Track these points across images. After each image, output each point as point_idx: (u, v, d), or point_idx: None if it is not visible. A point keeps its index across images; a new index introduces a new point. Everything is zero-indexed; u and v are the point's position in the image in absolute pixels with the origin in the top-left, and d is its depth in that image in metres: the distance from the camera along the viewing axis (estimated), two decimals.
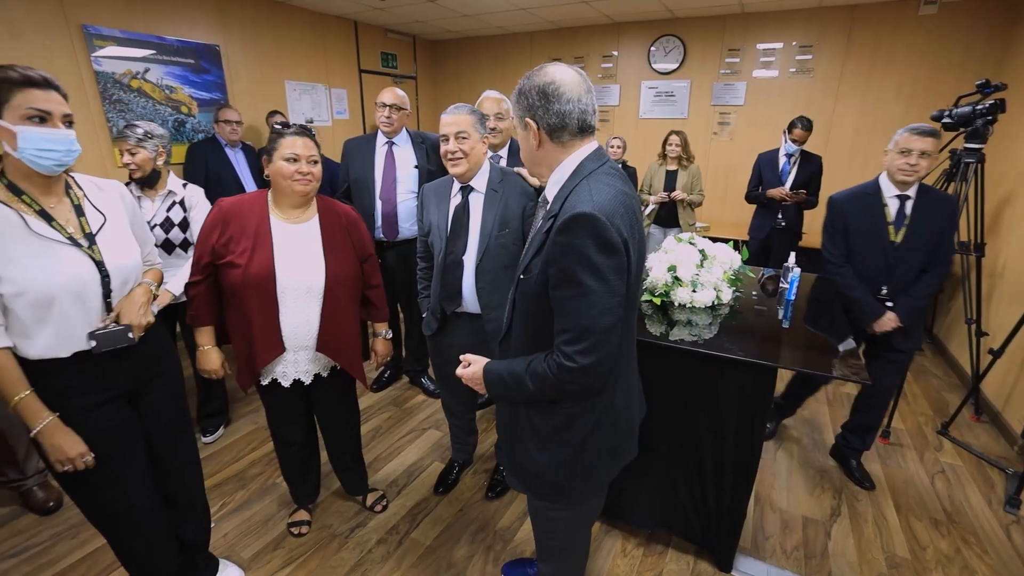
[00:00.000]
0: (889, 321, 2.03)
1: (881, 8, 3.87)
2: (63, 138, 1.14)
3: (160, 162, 2.11)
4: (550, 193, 1.07)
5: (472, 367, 1.18)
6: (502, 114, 2.16)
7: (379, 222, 2.49)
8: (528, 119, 1.02)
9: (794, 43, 4.20)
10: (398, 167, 2.44)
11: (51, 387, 1.21)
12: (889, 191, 2.03)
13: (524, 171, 1.85)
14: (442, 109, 1.88)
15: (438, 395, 2.94)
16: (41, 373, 1.19)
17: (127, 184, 2.15)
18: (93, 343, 1.23)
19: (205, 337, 1.65)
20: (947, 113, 2.59)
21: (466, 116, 1.67)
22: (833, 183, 3.76)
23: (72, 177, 1.30)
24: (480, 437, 2.43)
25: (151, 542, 1.49)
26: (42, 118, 1.11)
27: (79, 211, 1.25)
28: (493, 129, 2.12)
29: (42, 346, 1.18)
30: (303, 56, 4.45)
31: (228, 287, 1.55)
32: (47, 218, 1.18)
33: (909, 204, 2.01)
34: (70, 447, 1.20)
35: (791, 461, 2.46)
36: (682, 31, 4.60)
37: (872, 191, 2.07)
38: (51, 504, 2.12)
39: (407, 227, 2.51)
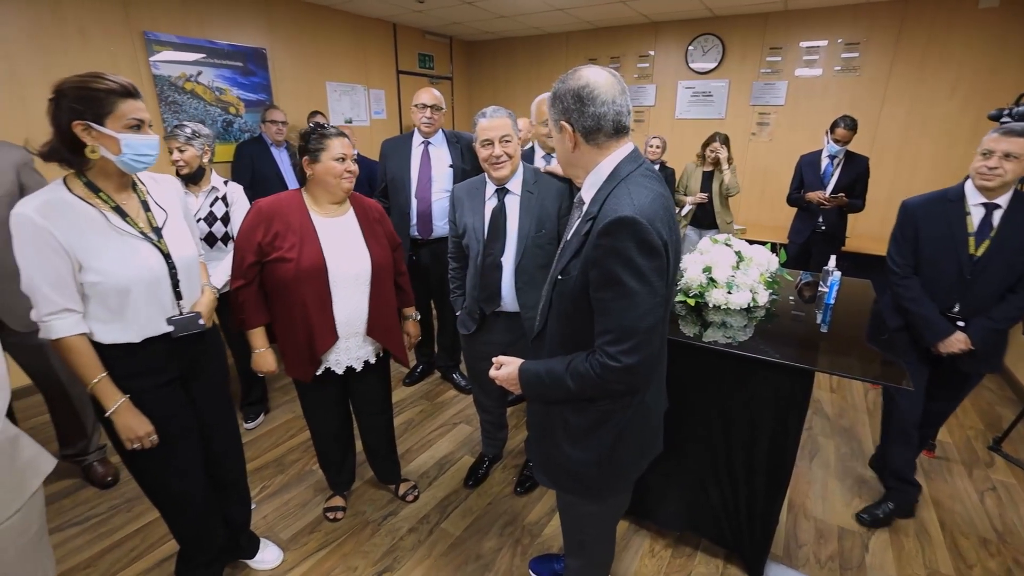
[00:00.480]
0: (957, 342, 1.81)
1: (936, 3, 3.70)
2: (154, 143, 1.25)
3: (205, 160, 2.23)
4: (586, 195, 1.09)
5: (506, 368, 1.20)
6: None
7: (414, 220, 2.56)
8: (564, 122, 1.04)
9: (840, 40, 4.06)
10: (433, 166, 2.49)
11: (120, 370, 1.30)
12: (975, 198, 1.79)
13: (553, 166, 1.85)
14: (477, 110, 1.92)
15: (469, 391, 2.99)
16: (112, 357, 1.29)
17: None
18: (171, 328, 1.34)
19: (259, 339, 1.72)
20: (1007, 112, 2.46)
21: (507, 120, 1.69)
22: (879, 186, 3.65)
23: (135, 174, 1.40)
24: (510, 433, 2.46)
25: (201, 518, 1.58)
26: (138, 125, 1.22)
27: (145, 207, 1.34)
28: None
29: (117, 332, 1.28)
30: (344, 58, 4.58)
31: (279, 282, 1.62)
32: (122, 214, 1.27)
33: (998, 214, 1.76)
34: (139, 427, 1.30)
35: (827, 471, 2.40)
36: (721, 30, 4.51)
37: (954, 197, 1.83)
38: (109, 479, 2.28)
39: (441, 225, 2.56)
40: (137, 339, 1.30)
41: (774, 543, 1.88)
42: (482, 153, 1.72)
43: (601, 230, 0.95)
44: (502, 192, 1.76)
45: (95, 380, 1.25)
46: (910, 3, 3.78)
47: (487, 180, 1.80)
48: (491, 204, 1.78)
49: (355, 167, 1.66)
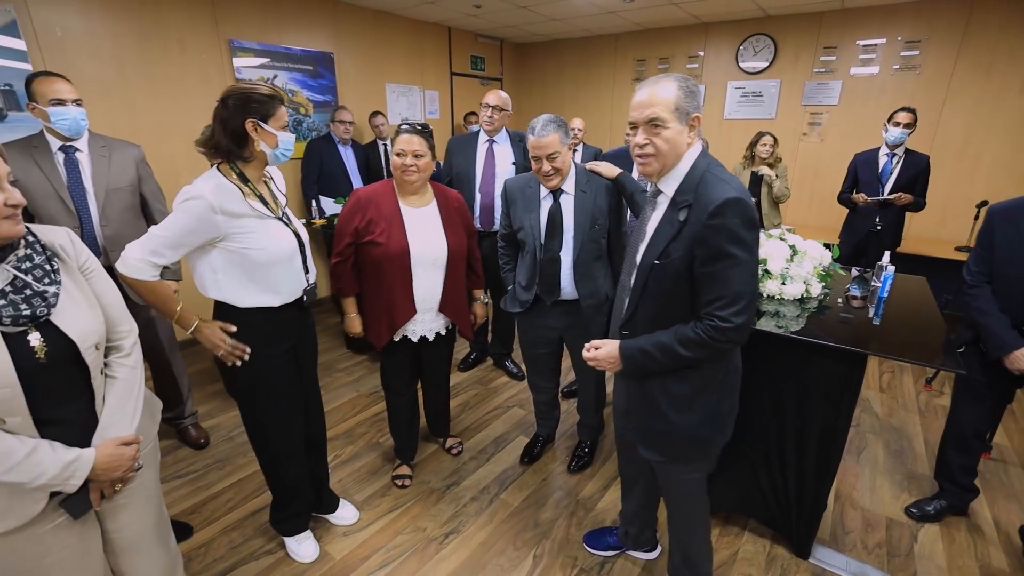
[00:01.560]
0: (1022, 358, 1.71)
1: None
2: (293, 140, 1.52)
3: None
4: (668, 187, 1.22)
5: (604, 349, 1.33)
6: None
7: (477, 212, 2.74)
8: (697, 114, 1.16)
9: (899, 38, 4.00)
10: (497, 163, 2.67)
11: (259, 332, 1.55)
12: None
13: (596, 165, 1.94)
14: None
15: (521, 378, 3.15)
16: (252, 320, 1.53)
17: None
18: (305, 297, 1.64)
19: (351, 306, 2.00)
20: None
21: (554, 136, 1.74)
22: (936, 188, 3.57)
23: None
24: (562, 416, 2.60)
25: (300, 472, 1.81)
26: (286, 126, 1.48)
27: (273, 196, 1.57)
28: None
29: (259, 297, 1.52)
30: (402, 61, 4.83)
31: (369, 262, 1.87)
32: (263, 201, 1.50)
33: None
34: (217, 336, 1.51)
35: (875, 466, 2.43)
36: (774, 29, 4.50)
37: None
38: (203, 441, 2.56)
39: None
40: (277, 303, 1.54)
41: (820, 528, 1.94)
42: (533, 166, 1.84)
43: (711, 211, 1.09)
44: (557, 192, 1.88)
45: (178, 308, 1.49)
46: None
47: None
48: (547, 204, 1.90)
49: (416, 162, 1.81)
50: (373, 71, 4.58)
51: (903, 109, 3.13)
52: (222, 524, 2.05)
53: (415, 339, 2.02)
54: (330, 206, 3.65)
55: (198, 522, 2.05)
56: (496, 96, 2.65)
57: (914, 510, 2.10)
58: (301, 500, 1.87)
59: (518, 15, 4.61)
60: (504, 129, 2.75)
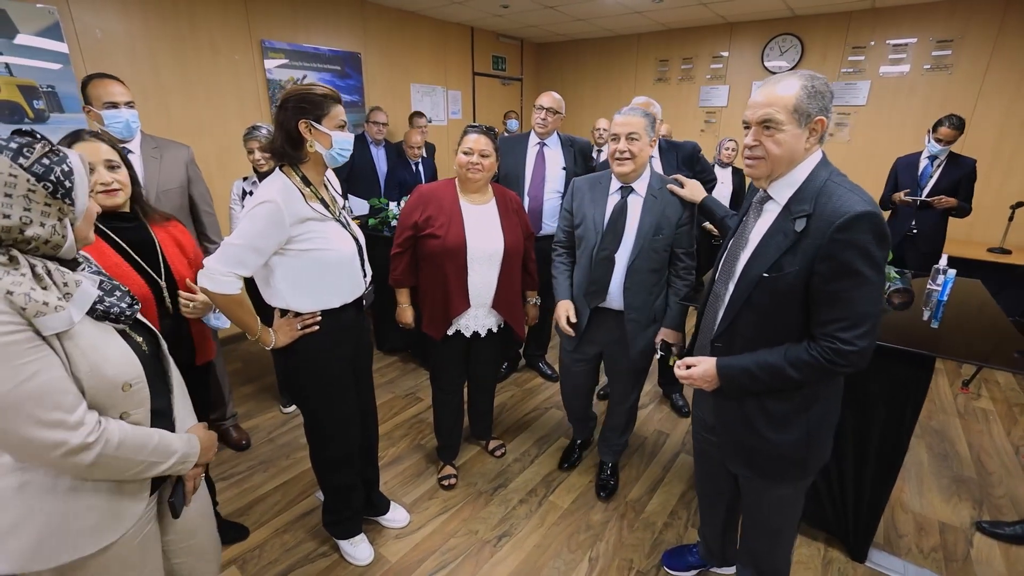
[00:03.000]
0: None
1: None
2: (351, 140, 1.49)
3: None
4: (780, 194, 1.15)
5: (700, 367, 1.26)
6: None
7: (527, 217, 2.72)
8: (822, 118, 1.09)
9: (931, 38, 3.98)
10: (547, 167, 2.64)
11: (319, 335, 1.54)
12: None
13: (680, 188, 1.82)
14: None
15: (555, 379, 3.15)
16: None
17: (245, 178, 2.53)
18: (365, 300, 1.66)
19: (404, 297, 2.05)
20: None
21: (640, 119, 1.71)
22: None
23: None
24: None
25: (353, 473, 1.81)
26: (343, 125, 1.45)
27: (332, 198, 1.57)
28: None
29: (317, 300, 1.52)
30: (426, 61, 4.83)
31: (428, 255, 1.91)
32: (324, 203, 1.50)
33: None
34: (293, 330, 1.52)
35: (921, 468, 2.42)
36: (801, 29, 4.48)
37: None
38: (244, 442, 2.57)
39: (549, 224, 2.69)
40: (338, 304, 1.55)
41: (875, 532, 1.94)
42: (610, 147, 1.76)
43: (840, 225, 1.02)
44: (626, 190, 1.81)
45: (259, 327, 1.48)
46: None
47: (612, 176, 1.85)
48: (614, 199, 1.84)
49: (482, 161, 1.85)
50: (399, 71, 4.59)
51: (948, 121, 3.03)
52: (273, 526, 2.06)
53: (468, 334, 2.04)
54: (360, 206, 3.65)
55: (249, 524, 2.05)
56: (551, 98, 2.61)
57: (986, 525, 2.03)
58: (355, 502, 1.88)
59: (544, 15, 4.61)
60: (556, 132, 2.71)
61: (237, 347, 3.66)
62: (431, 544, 1.98)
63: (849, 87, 4.38)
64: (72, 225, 0.89)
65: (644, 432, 2.69)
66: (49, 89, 2.76)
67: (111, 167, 1.32)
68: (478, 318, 2.03)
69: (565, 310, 1.95)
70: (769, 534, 1.44)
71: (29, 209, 0.82)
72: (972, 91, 3.90)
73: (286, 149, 1.43)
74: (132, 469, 0.94)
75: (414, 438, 2.64)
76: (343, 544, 1.91)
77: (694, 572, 1.84)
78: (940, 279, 1.89)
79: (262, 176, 2.44)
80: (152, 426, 1.02)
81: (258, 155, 2.40)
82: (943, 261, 1.94)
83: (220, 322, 1.64)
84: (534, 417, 2.83)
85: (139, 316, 1.04)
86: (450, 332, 2.02)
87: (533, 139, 2.69)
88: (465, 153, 1.86)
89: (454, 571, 1.86)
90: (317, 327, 1.53)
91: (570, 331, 1.95)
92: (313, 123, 1.40)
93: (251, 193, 2.47)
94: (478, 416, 2.44)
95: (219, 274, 1.35)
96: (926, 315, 1.92)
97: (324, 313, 1.54)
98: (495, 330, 2.10)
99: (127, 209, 1.41)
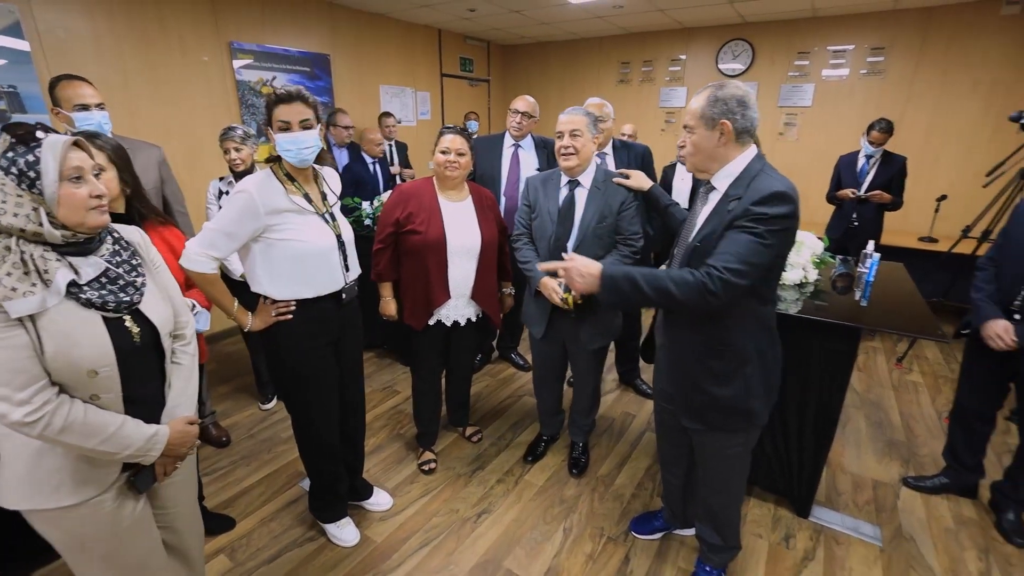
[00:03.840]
0: (993, 328, 1.84)
1: (959, 9, 3.94)
2: (298, 139, 1.51)
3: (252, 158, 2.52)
4: (721, 183, 1.34)
5: (581, 259, 1.38)
6: (603, 117, 2.46)
7: (502, 215, 2.84)
8: (725, 121, 1.26)
9: (866, 45, 4.32)
10: (522, 167, 2.76)
11: (296, 323, 1.63)
12: None
13: (626, 180, 1.97)
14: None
15: (527, 369, 3.30)
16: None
17: (221, 178, 2.56)
18: (345, 294, 1.72)
19: (388, 290, 2.15)
20: None
21: (582, 117, 1.89)
22: None
23: (316, 168, 1.70)
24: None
25: (336, 460, 1.91)
26: (284, 127, 1.50)
27: (323, 196, 1.66)
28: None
29: (293, 289, 1.61)
30: (395, 62, 4.90)
31: (409, 250, 2.03)
32: (308, 199, 1.59)
33: None
34: (269, 316, 1.62)
35: (860, 435, 2.68)
36: (751, 35, 4.77)
37: None
38: (224, 439, 2.61)
39: None
40: (311, 295, 1.63)
41: (817, 492, 2.16)
42: (556, 144, 1.93)
43: (758, 199, 1.21)
44: (573, 184, 1.97)
45: (235, 307, 1.61)
46: (934, 10, 4.02)
47: (561, 172, 2.00)
48: (563, 193, 1.99)
49: (459, 159, 1.98)
50: (368, 73, 4.64)
51: (878, 125, 3.37)
52: (259, 516, 2.12)
53: (448, 323, 2.17)
54: None
55: (235, 515, 2.11)
56: (526, 103, 2.73)
57: (911, 480, 2.29)
58: (339, 487, 1.97)
59: (510, 18, 4.75)
60: (530, 135, 2.83)
61: (212, 348, 3.66)
62: (415, 524, 2.09)
63: (796, 89, 4.70)
64: (50, 212, 0.94)
65: (612, 414, 2.86)
66: (11, 89, 2.72)
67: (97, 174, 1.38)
68: (458, 308, 2.15)
69: (552, 287, 1.95)
70: (721, 488, 1.62)
71: (4, 201, 0.90)
72: (903, 94, 4.26)
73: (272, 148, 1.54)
74: (83, 449, 1.01)
75: (394, 428, 2.74)
76: (329, 528, 2.00)
77: (659, 535, 2.02)
78: (868, 262, 2.12)
79: (239, 176, 2.49)
80: (134, 412, 1.08)
81: (235, 155, 2.44)
82: (870, 246, 2.17)
83: (201, 324, 1.68)
84: (508, 404, 2.97)
85: (141, 308, 1.10)
86: (431, 322, 2.14)
87: (508, 141, 2.81)
88: (443, 152, 1.98)
89: (437, 547, 1.98)
90: (291, 316, 1.62)
91: (561, 301, 1.93)
92: (269, 127, 1.52)
93: (227, 193, 2.52)
94: (456, 404, 2.56)
95: (194, 254, 1.48)
96: (857, 295, 2.15)
97: (299, 303, 1.63)
98: (474, 319, 2.23)
99: (122, 210, 1.47)
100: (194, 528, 1.39)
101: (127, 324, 1.07)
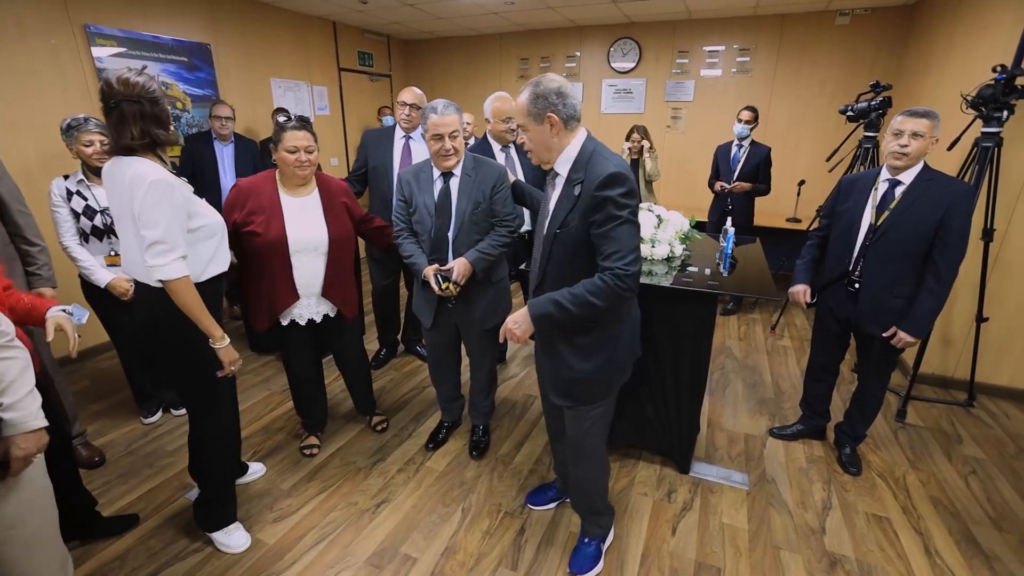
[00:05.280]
0: (795, 291, 2.27)
1: (805, 18, 4.47)
2: None
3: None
4: (562, 168, 1.42)
5: (521, 325, 1.44)
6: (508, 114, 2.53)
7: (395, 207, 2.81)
8: (550, 114, 1.34)
9: (735, 46, 4.75)
10: (414, 159, 2.75)
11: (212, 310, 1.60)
12: (883, 175, 2.03)
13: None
14: None
15: None
16: (209, 293, 1.60)
17: (66, 176, 2.26)
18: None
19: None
20: (849, 108, 3.16)
21: (456, 116, 1.91)
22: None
23: None
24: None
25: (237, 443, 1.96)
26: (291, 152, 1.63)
27: None
28: (516, 129, 2.29)
29: (214, 267, 1.62)
30: (287, 55, 4.68)
31: (250, 250, 1.94)
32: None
33: (900, 189, 1.97)
34: (234, 354, 1.67)
35: (736, 397, 2.97)
36: (638, 34, 5.08)
37: (871, 176, 2.09)
38: (97, 459, 2.38)
39: None
40: (227, 269, 1.66)
41: (697, 449, 2.38)
42: (433, 147, 1.93)
43: (598, 184, 1.30)
44: (447, 175, 2.01)
45: (221, 337, 1.61)
46: (787, 17, 4.52)
47: (432, 165, 2.02)
48: (439, 185, 2.02)
49: (309, 156, 1.90)
50: (256, 65, 4.40)
51: (746, 108, 3.82)
52: (137, 534, 1.97)
53: (303, 322, 2.10)
54: None
55: (109, 537, 1.94)
56: (412, 94, 2.72)
57: (775, 430, 2.59)
58: (230, 489, 1.88)
59: (404, 12, 4.70)
60: (420, 126, 2.82)
61: (83, 365, 3.31)
62: (310, 521, 2.03)
63: (679, 85, 5.07)
64: None
65: (515, 397, 2.95)
66: None
67: None
68: (310, 306, 2.09)
69: (434, 271, 1.98)
70: (586, 455, 1.71)
71: None
72: (767, 90, 4.74)
73: None
74: None
75: (292, 428, 2.64)
76: (216, 536, 1.90)
77: (553, 504, 2.12)
78: (726, 237, 2.35)
79: (94, 171, 2.26)
80: None
81: (99, 148, 2.20)
82: (728, 223, 2.41)
83: (77, 317, 1.57)
84: (412, 396, 2.96)
85: None
86: (284, 323, 2.08)
87: (399, 133, 2.79)
88: (290, 152, 1.86)
89: (333, 541, 1.94)
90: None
91: (443, 290, 1.97)
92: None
93: (79, 193, 2.27)
94: (359, 394, 2.53)
95: (168, 265, 1.44)
96: (721, 267, 2.38)
97: (216, 281, 1.64)
98: (331, 315, 2.16)
99: None
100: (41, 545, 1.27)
101: None
